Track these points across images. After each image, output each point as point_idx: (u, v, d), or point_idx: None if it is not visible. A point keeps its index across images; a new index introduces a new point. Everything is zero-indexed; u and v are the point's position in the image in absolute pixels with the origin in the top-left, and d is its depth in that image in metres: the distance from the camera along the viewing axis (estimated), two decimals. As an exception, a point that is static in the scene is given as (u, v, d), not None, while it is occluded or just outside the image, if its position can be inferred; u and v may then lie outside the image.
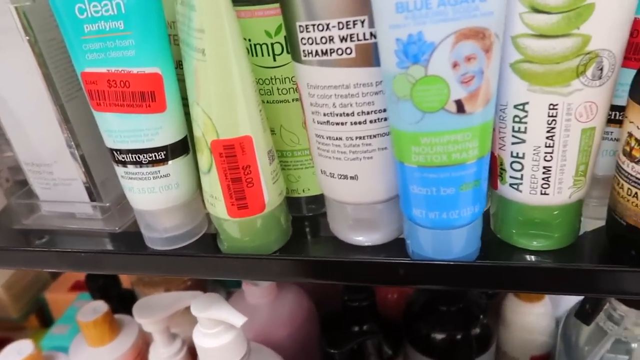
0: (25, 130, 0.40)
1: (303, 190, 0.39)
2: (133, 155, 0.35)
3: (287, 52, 0.34)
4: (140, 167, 0.35)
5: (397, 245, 0.35)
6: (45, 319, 0.80)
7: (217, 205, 0.34)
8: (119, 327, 0.57)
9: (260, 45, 0.34)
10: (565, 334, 0.47)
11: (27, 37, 0.36)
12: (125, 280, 0.70)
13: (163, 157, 0.35)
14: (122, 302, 0.65)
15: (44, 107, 0.38)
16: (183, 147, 0.36)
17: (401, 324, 0.60)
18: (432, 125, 0.27)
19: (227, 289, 0.66)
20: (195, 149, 0.35)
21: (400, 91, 0.27)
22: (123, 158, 0.35)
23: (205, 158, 0.33)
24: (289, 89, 0.35)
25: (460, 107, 0.27)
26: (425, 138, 0.28)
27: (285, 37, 0.33)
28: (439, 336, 0.56)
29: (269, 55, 0.34)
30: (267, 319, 0.52)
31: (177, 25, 0.32)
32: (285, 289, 0.55)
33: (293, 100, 0.35)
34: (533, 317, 0.56)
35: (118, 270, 0.40)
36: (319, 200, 0.39)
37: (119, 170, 0.36)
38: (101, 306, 0.55)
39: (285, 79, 0.35)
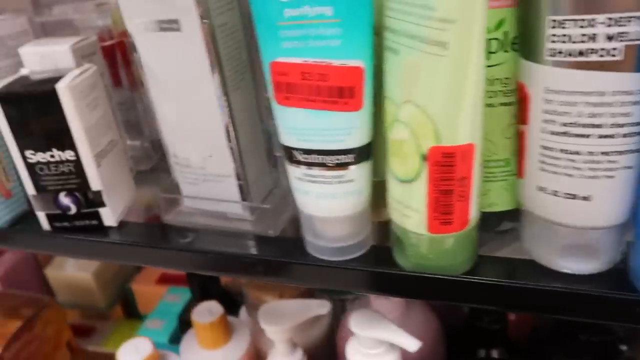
0: (183, 121, 0.37)
1: (489, 205, 0.34)
2: (318, 157, 0.31)
3: (504, 51, 0.30)
4: (325, 169, 0.32)
5: (607, 275, 0.30)
6: (130, 310, 0.78)
7: (414, 217, 0.30)
8: (231, 330, 0.54)
9: (475, 41, 0.30)
10: None
11: (206, 21, 0.33)
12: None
13: (352, 160, 0.31)
14: (221, 302, 0.62)
15: (208, 97, 0.35)
16: (369, 150, 0.32)
17: (526, 349, 0.55)
18: None
19: (331, 297, 0.63)
20: (381, 153, 0.31)
21: (691, 104, 0.23)
22: (305, 159, 0.32)
23: (411, 165, 0.29)
24: (497, 91, 0.31)
25: None
26: None
27: (504, 32, 0.29)
28: (575, 367, 0.51)
29: (482, 52, 0.30)
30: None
31: (386, 12, 0.29)
32: (413, 303, 0.51)
33: (499, 104, 0.31)
34: (682, 351, 0.51)
35: (288, 279, 0.36)
36: (500, 216, 0.35)
37: (295, 171, 0.33)
38: (216, 307, 0.53)
39: (495, 80, 0.31)
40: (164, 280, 0.76)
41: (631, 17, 0.24)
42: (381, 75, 0.30)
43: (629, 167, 0.27)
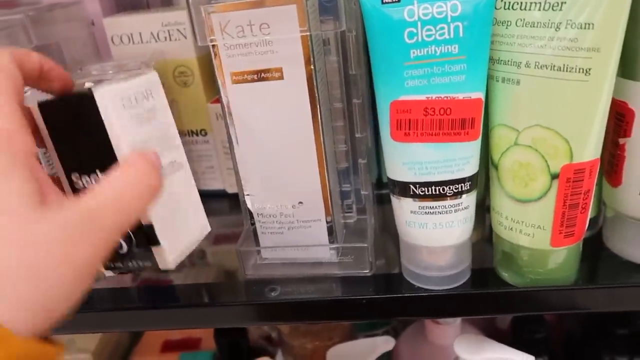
0: (275, 171, 0.36)
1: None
2: (437, 188, 0.33)
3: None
4: (444, 200, 0.33)
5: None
6: (131, 388, 0.72)
7: (538, 235, 0.32)
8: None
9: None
10: None
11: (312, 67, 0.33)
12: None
13: (468, 188, 0.33)
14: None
15: (307, 143, 0.35)
16: (478, 177, 0.34)
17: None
18: None
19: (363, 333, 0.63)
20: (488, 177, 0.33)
21: None
22: (423, 191, 0.33)
23: (537, 184, 0.31)
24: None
25: None
26: None
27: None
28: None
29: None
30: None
31: (498, 47, 0.31)
32: (466, 327, 0.53)
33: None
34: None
35: (405, 314, 0.37)
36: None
37: (411, 205, 0.34)
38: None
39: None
40: (169, 347, 0.71)
41: None
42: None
43: None
